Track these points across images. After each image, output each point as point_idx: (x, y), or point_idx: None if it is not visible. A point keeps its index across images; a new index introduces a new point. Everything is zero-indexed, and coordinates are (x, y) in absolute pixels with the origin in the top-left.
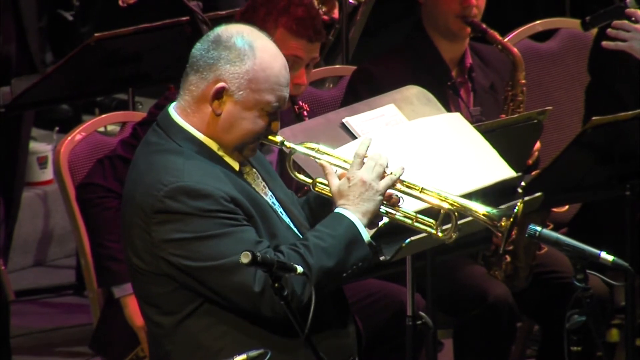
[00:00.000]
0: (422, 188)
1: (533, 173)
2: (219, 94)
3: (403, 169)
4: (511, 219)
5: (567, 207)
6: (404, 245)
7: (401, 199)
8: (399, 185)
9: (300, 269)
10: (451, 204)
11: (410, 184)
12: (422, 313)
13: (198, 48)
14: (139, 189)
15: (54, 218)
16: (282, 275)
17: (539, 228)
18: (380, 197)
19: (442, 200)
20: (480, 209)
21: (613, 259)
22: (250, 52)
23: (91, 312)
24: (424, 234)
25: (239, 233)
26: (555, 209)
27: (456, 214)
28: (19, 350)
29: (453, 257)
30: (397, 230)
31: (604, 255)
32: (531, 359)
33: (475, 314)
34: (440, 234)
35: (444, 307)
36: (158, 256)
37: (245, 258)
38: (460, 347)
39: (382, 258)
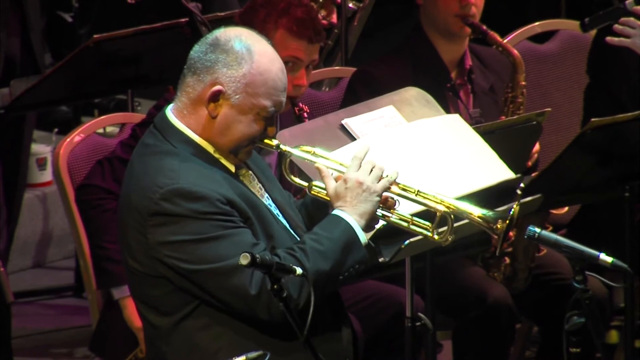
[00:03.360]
0: (417, 191)
1: (532, 175)
2: (215, 97)
3: (397, 173)
4: (507, 222)
5: (566, 209)
6: (403, 246)
7: (397, 201)
8: (394, 188)
9: (299, 270)
10: (447, 207)
11: (406, 186)
12: (421, 314)
13: (196, 50)
14: (134, 191)
15: (53, 219)
16: (281, 277)
17: (538, 229)
18: (377, 199)
19: (438, 202)
20: (476, 211)
21: (612, 260)
22: (248, 56)
23: (90, 313)
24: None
25: (235, 235)
26: (554, 211)
27: (452, 216)
28: (18, 352)
29: (452, 259)
30: (396, 231)
31: (603, 256)
32: None
33: (474, 316)
34: (436, 237)
35: (443, 308)
36: (154, 258)
37: (244, 259)
38: (459, 349)
39: (381, 259)
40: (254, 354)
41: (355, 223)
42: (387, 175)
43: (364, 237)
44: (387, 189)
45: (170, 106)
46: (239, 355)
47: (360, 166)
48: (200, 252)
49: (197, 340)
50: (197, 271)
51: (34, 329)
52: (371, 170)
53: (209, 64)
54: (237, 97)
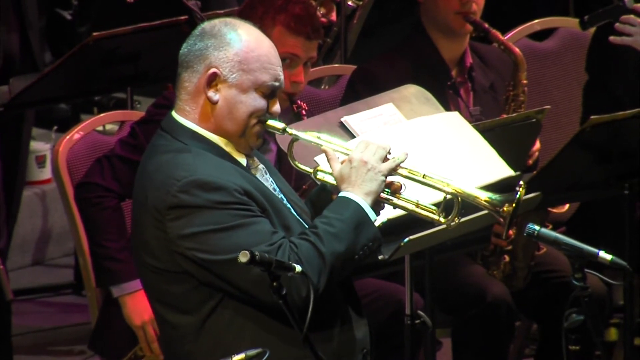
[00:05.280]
0: (424, 174)
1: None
2: (212, 80)
3: (407, 154)
4: (513, 205)
5: (567, 207)
6: (402, 244)
7: (404, 185)
8: (401, 171)
9: (298, 268)
10: (454, 190)
11: (412, 170)
12: (420, 312)
13: (184, 47)
14: (150, 190)
15: (52, 217)
16: (280, 275)
17: (537, 227)
18: (383, 178)
19: (445, 185)
20: (482, 195)
21: (611, 258)
22: (236, 36)
23: (89, 311)
24: (422, 233)
25: (253, 225)
26: (555, 210)
27: (459, 199)
28: (17, 350)
29: (452, 257)
30: (395, 229)
31: (602, 254)
32: (529, 358)
33: (473, 313)
34: (442, 220)
35: (443, 306)
36: (175, 253)
37: (243, 257)
38: (458, 347)
39: (380, 257)
40: (252, 352)
41: (364, 202)
42: (393, 157)
43: (373, 215)
44: (393, 170)
45: (174, 109)
46: (238, 353)
47: (366, 147)
48: (219, 242)
49: (221, 336)
50: (218, 262)
51: (33, 326)
52: (376, 150)
53: (200, 52)
54: (233, 76)
